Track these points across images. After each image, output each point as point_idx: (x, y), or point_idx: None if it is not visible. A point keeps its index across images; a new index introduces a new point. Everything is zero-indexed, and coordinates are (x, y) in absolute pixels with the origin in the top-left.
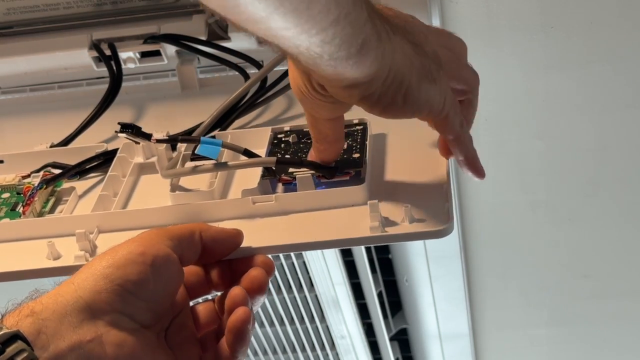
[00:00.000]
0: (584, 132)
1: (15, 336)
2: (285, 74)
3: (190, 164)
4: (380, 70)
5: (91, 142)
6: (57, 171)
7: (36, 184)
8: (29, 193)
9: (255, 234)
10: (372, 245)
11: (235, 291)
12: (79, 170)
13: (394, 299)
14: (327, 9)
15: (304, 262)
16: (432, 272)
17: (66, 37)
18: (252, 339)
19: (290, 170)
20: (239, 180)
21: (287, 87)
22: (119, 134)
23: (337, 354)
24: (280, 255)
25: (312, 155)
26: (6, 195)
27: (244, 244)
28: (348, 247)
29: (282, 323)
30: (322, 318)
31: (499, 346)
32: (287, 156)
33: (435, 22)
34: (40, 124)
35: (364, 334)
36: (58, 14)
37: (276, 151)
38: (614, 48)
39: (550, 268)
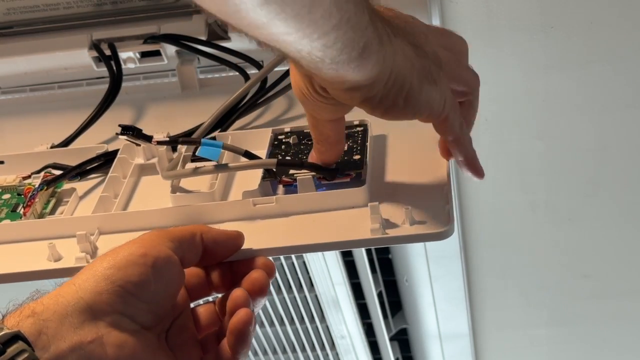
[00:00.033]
0: (584, 132)
1: (16, 337)
2: (285, 75)
3: (190, 165)
4: (381, 73)
5: (92, 143)
6: (57, 172)
7: (37, 185)
8: (29, 194)
9: (256, 236)
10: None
11: (237, 293)
12: (79, 171)
13: (394, 299)
14: (329, 13)
15: (304, 262)
16: (432, 272)
17: (66, 37)
18: (252, 339)
19: (291, 171)
20: (240, 182)
21: (288, 87)
22: (120, 136)
23: (337, 354)
24: (280, 255)
25: (312, 157)
26: (7, 196)
27: (245, 246)
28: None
29: (282, 323)
30: (322, 318)
31: (499, 346)
32: (287, 157)
33: (435, 22)
34: (40, 124)
35: (364, 334)
36: (58, 14)
37: (277, 152)
38: (614, 48)
39: (550, 268)
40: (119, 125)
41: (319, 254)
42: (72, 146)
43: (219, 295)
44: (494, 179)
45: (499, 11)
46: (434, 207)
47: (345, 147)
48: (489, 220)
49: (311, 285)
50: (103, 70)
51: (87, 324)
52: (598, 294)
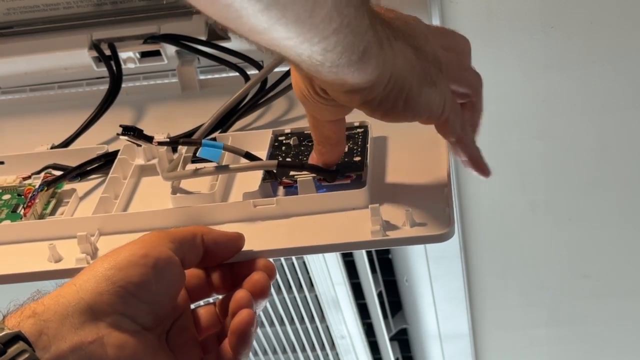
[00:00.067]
0: (584, 132)
1: (17, 337)
2: (285, 75)
3: (191, 166)
4: (381, 76)
5: (92, 144)
6: (57, 173)
7: (37, 186)
8: (30, 195)
9: (257, 237)
10: None
11: (240, 294)
12: (79, 172)
13: (394, 299)
14: (330, 17)
15: (304, 263)
16: (432, 272)
17: (66, 37)
18: (253, 340)
19: (292, 173)
20: (240, 183)
21: (288, 88)
22: (121, 137)
23: (337, 354)
24: (281, 257)
25: (313, 158)
26: (7, 196)
27: (245, 248)
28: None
29: (282, 323)
30: (322, 318)
31: (499, 346)
32: (288, 159)
33: (435, 22)
34: (40, 124)
35: (364, 334)
36: (58, 14)
37: (277, 154)
38: (614, 48)
39: (550, 268)
40: (120, 126)
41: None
42: (72, 147)
43: (220, 297)
44: (494, 179)
45: (499, 11)
46: (435, 209)
47: (346, 149)
48: (489, 221)
49: (311, 285)
50: (103, 70)
51: (87, 324)
52: (598, 294)
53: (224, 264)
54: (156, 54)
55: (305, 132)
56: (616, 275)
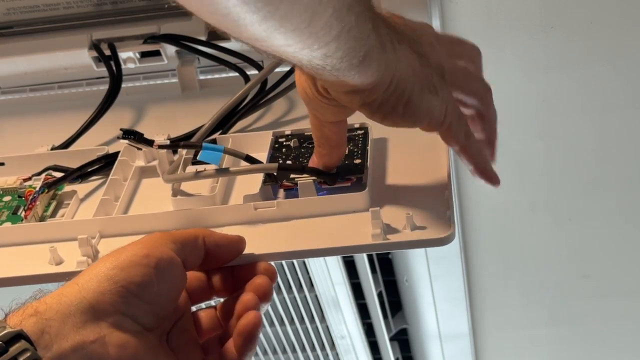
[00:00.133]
0: (584, 132)
1: (19, 335)
2: (285, 76)
3: (191, 168)
4: (382, 79)
5: (92, 144)
6: (58, 174)
7: (38, 188)
8: (30, 197)
9: (257, 240)
10: None
11: (247, 297)
12: (80, 174)
13: (394, 299)
14: (329, 25)
15: (304, 263)
16: (432, 272)
17: (66, 37)
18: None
19: (292, 176)
20: (241, 185)
21: (288, 89)
22: (121, 140)
23: (337, 354)
24: (282, 260)
25: (313, 161)
26: (7, 198)
27: (246, 251)
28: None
29: (282, 323)
30: (322, 318)
31: (499, 346)
32: (288, 161)
33: (435, 22)
34: (40, 124)
35: (364, 334)
36: (58, 14)
37: (277, 156)
38: (614, 48)
39: (550, 268)
40: (121, 130)
41: None
42: (72, 148)
43: (221, 300)
44: None
45: (499, 11)
46: (435, 212)
47: (346, 151)
48: (489, 221)
49: (311, 285)
50: (103, 70)
51: (89, 324)
52: (598, 294)
53: (225, 267)
54: (156, 54)
55: (306, 133)
56: (616, 275)
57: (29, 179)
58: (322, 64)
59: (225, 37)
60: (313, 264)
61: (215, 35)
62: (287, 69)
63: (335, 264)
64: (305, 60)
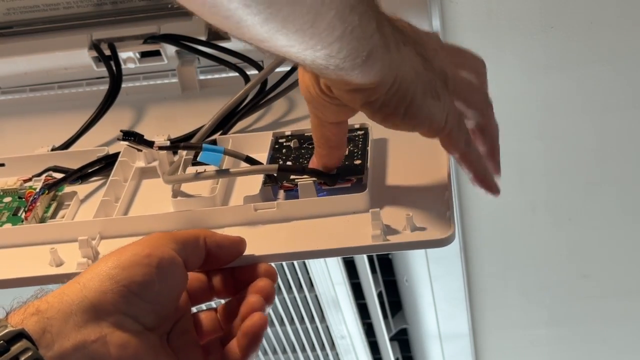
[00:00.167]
0: (584, 132)
1: (20, 334)
2: (285, 76)
3: (191, 169)
4: (385, 79)
5: (92, 145)
6: (58, 175)
7: (38, 189)
8: (31, 199)
9: (257, 241)
10: None
11: (253, 298)
12: (80, 175)
13: (394, 299)
14: (332, 26)
15: (304, 263)
16: (432, 272)
17: (66, 37)
18: None
19: (292, 177)
20: (241, 186)
21: (288, 89)
22: (121, 142)
23: (337, 354)
24: (282, 261)
25: (313, 161)
26: (8, 199)
27: (247, 252)
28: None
29: (282, 323)
30: (322, 318)
31: (499, 346)
32: (288, 161)
33: (435, 22)
34: (40, 124)
35: (364, 334)
36: (58, 14)
37: (277, 156)
38: (614, 48)
39: (550, 268)
40: (121, 131)
41: None
42: (72, 148)
43: (221, 301)
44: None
45: (499, 11)
46: (435, 213)
47: (346, 152)
48: (489, 221)
49: (311, 285)
50: (103, 70)
51: (90, 323)
52: (598, 294)
53: (225, 268)
54: (156, 54)
55: (306, 134)
56: (616, 275)
57: (29, 180)
58: (326, 64)
59: (225, 37)
60: (313, 264)
61: (215, 35)
62: (287, 69)
63: (335, 264)
64: (308, 60)
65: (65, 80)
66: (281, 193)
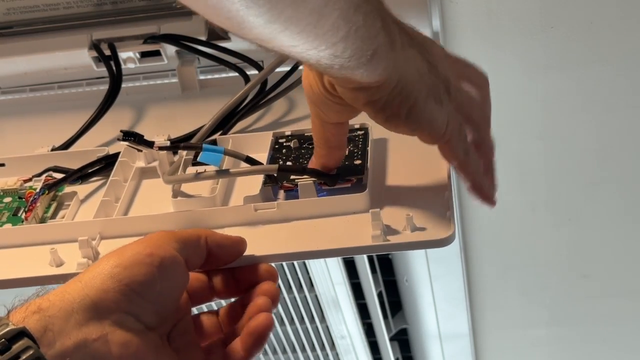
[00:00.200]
0: (584, 132)
1: (22, 333)
2: (285, 76)
3: (191, 169)
4: (389, 79)
5: (92, 145)
6: (58, 175)
7: (38, 190)
8: (31, 199)
9: (258, 242)
10: None
11: (260, 300)
12: (80, 175)
13: (394, 299)
14: (336, 27)
15: (304, 263)
16: (432, 272)
17: (66, 37)
18: None
19: (292, 177)
20: (241, 186)
21: (288, 89)
22: (121, 142)
23: (337, 354)
24: (282, 261)
25: (312, 162)
26: (8, 199)
27: (247, 252)
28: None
29: (282, 323)
30: (322, 318)
31: (499, 346)
32: (288, 162)
33: (435, 22)
34: (40, 124)
35: (364, 334)
36: (58, 14)
37: (277, 156)
38: (614, 48)
39: (550, 268)
40: (121, 131)
41: None
42: (72, 149)
43: (222, 302)
44: None
45: (499, 11)
46: (435, 213)
47: (346, 152)
48: (489, 221)
49: (311, 285)
50: (103, 70)
51: (92, 321)
52: (598, 294)
53: (226, 268)
54: (156, 54)
55: (306, 134)
56: (616, 275)
57: (30, 180)
58: (330, 63)
59: (225, 37)
60: (313, 264)
61: (215, 35)
62: (287, 69)
63: (335, 264)
64: (313, 59)
65: (65, 80)
66: (281, 193)
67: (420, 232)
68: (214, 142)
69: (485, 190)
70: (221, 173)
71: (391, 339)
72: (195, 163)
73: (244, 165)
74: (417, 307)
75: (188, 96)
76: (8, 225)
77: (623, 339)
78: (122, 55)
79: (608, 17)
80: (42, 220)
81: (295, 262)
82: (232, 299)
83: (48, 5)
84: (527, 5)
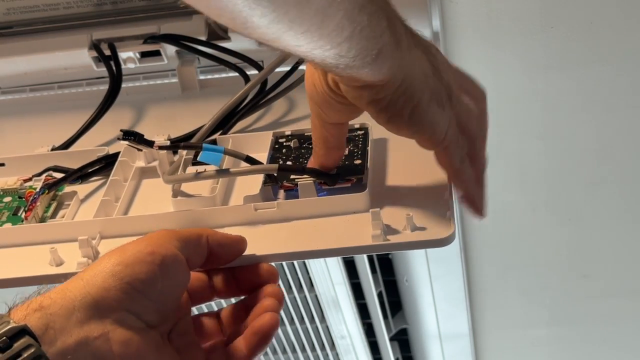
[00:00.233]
0: (584, 132)
1: (23, 331)
2: (285, 76)
3: (191, 169)
4: (394, 78)
5: (92, 145)
6: (58, 175)
7: (38, 189)
8: (31, 198)
9: (258, 241)
10: None
11: (268, 302)
12: (80, 175)
13: (394, 299)
14: (341, 27)
15: (304, 263)
16: (432, 272)
17: (66, 37)
18: None
19: (292, 176)
20: (241, 186)
21: (288, 89)
22: (121, 141)
23: (337, 354)
24: (282, 261)
25: (311, 161)
26: (8, 199)
27: (247, 251)
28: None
29: (282, 323)
30: (322, 318)
31: (499, 346)
32: (288, 161)
33: (435, 22)
34: (40, 124)
35: (364, 334)
36: (58, 14)
37: (277, 156)
38: (614, 48)
39: (550, 268)
40: (121, 131)
41: None
42: (72, 148)
43: (222, 302)
44: (494, 179)
45: (499, 11)
46: (435, 212)
47: (346, 152)
48: (489, 221)
49: (311, 285)
50: (103, 70)
51: (93, 319)
52: (598, 294)
53: (226, 268)
54: (156, 54)
55: (306, 134)
56: (616, 275)
57: (30, 179)
58: (335, 62)
59: (225, 37)
60: (313, 264)
61: (215, 35)
62: (287, 69)
63: (335, 264)
64: (318, 59)
65: (65, 80)
66: (281, 193)
67: (420, 232)
68: (214, 142)
69: (477, 201)
70: (221, 173)
71: (391, 339)
72: (195, 163)
73: (244, 165)
74: (417, 307)
75: (188, 96)
76: (8, 225)
77: (623, 339)
78: (122, 55)
79: (608, 17)
80: (42, 220)
81: (295, 262)
82: (232, 299)
83: (48, 5)
84: (527, 5)
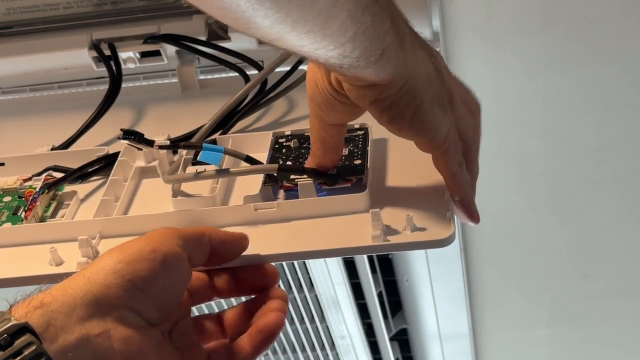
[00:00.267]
0: (584, 132)
1: (24, 328)
2: (285, 76)
3: (191, 169)
4: (397, 77)
5: (92, 144)
6: (58, 174)
7: (38, 189)
8: (30, 198)
9: (258, 241)
10: None
11: (275, 303)
12: (80, 174)
13: (394, 299)
14: (344, 27)
15: (304, 263)
16: (432, 272)
17: (66, 37)
18: None
19: (292, 176)
20: (241, 186)
21: (288, 89)
22: (121, 141)
23: (337, 354)
24: (282, 261)
25: (308, 161)
26: (8, 198)
27: (247, 252)
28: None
29: None
30: (322, 318)
31: (499, 346)
32: (288, 161)
33: (435, 22)
34: (40, 124)
35: (364, 334)
36: (58, 14)
37: (277, 156)
38: (614, 48)
39: (550, 268)
40: (121, 130)
41: None
42: (72, 148)
43: (222, 301)
44: (494, 179)
45: (499, 11)
46: (435, 213)
47: (346, 152)
48: (489, 220)
49: (311, 285)
50: (103, 70)
51: (94, 317)
52: (598, 294)
53: (227, 268)
54: (156, 54)
55: (306, 134)
56: (616, 275)
57: (29, 179)
58: (339, 62)
59: (225, 37)
60: (313, 264)
61: (215, 35)
62: (287, 69)
63: (335, 264)
64: (321, 59)
65: (65, 80)
66: (281, 193)
67: (420, 232)
68: (214, 142)
69: (472, 207)
70: (221, 172)
71: (391, 339)
72: (195, 162)
73: (244, 165)
74: (417, 307)
75: (188, 96)
76: (8, 225)
77: (623, 339)
78: (122, 55)
79: (608, 17)
80: (42, 220)
81: (295, 262)
82: (232, 299)
83: (48, 5)
84: (527, 5)
